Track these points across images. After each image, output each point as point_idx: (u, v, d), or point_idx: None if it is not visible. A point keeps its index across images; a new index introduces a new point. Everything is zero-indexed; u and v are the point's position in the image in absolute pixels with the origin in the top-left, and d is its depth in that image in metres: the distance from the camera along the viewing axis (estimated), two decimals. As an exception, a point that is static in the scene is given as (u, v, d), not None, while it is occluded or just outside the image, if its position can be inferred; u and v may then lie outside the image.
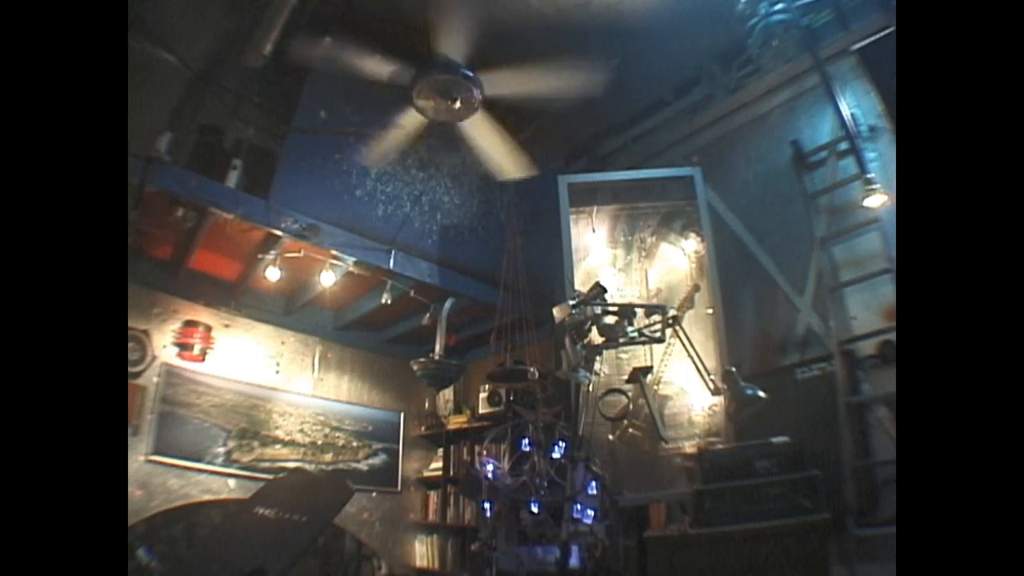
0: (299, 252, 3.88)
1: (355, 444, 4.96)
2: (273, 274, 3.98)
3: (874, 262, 3.20)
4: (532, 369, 3.45)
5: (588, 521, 2.79)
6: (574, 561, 2.73)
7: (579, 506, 2.67)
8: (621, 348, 2.89)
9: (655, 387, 3.22)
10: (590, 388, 2.63)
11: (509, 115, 3.21)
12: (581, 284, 3.33)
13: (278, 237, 3.77)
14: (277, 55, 3.40)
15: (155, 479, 3.85)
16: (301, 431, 4.69)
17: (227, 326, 4.51)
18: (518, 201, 4.42)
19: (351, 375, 5.13)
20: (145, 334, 4.09)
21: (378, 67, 2.79)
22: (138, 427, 3.87)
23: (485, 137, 3.14)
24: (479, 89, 2.81)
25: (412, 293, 4.28)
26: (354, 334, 5.19)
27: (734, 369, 2.56)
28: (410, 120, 3.00)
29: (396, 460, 5.13)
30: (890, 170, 3.20)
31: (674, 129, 4.51)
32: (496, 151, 3.22)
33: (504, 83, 2.84)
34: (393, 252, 4.06)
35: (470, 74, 2.74)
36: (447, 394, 5.28)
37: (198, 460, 4.09)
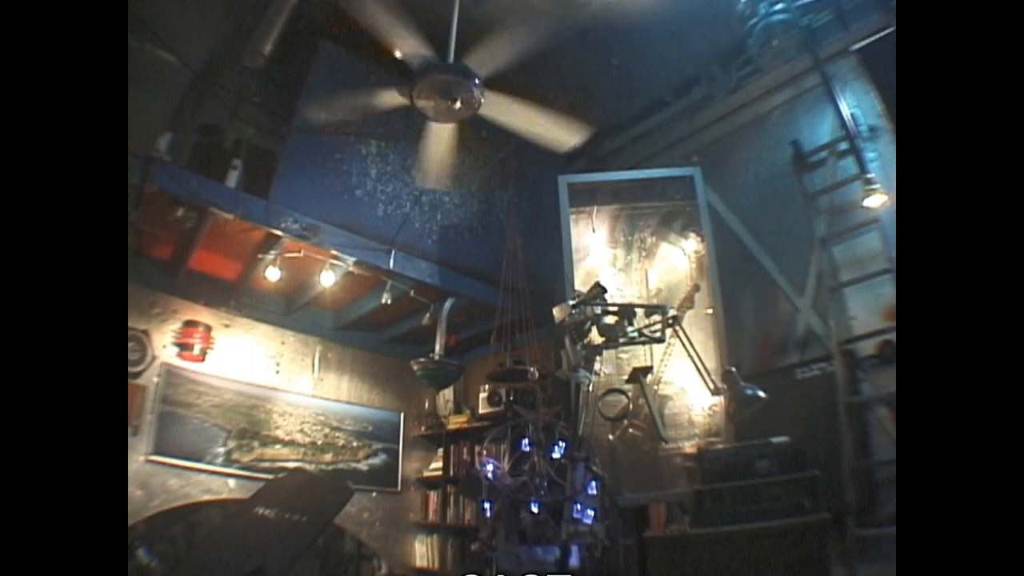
0: (299, 252, 3.87)
1: (355, 444, 4.96)
2: (273, 274, 3.98)
3: (874, 262, 3.20)
4: (532, 369, 3.45)
5: (588, 521, 2.78)
6: (574, 561, 2.73)
7: (579, 506, 2.67)
8: (621, 348, 2.89)
9: (655, 387, 3.21)
10: (590, 388, 2.63)
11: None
12: (581, 284, 3.32)
13: (278, 237, 3.77)
14: (277, 55, 3.38)
15: (155, 479, 3.85)
16: (301, 431, 4.69)
17: (227, 326, 4.51)
18: (518, 201, 4.43)
19: (351, 375, 5.13)
20: (145, 334, 4.09)
21: (400, 35, 2.71)
22: (138, 427, 3.87)
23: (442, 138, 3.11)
24: (481, 92, 2.79)
25: (412, 293, 4.28)
26: (354, 334, 5.19)
27: (734, 369, 2.56)
28: (385, 99, 2.94)
29: (396, 460, 5.12)
30: (890, 170, 3.20)
31: (674, 129, 4.51)
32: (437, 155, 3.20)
33: (497, 108, 2.83)
34: (393, 252, 4.06)
35: (480, 86, 2.72)
36: (447, 394, 5.28)
37: (198, 460, 4.09)
